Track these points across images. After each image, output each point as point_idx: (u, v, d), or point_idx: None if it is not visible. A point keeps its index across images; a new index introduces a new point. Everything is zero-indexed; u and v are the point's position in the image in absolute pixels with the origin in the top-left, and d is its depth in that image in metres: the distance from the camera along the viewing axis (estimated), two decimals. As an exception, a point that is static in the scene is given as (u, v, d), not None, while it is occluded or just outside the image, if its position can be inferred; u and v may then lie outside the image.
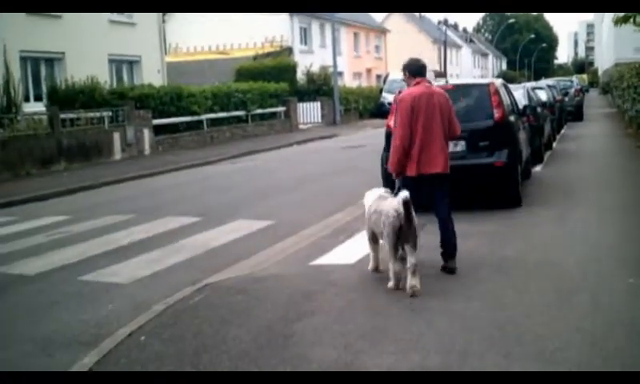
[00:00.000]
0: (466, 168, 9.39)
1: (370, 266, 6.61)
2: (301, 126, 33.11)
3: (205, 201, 12.42)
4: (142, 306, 6.12)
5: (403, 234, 5.72)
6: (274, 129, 29.86)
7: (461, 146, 9.56)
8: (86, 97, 21.46)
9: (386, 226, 5.78)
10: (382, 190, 6.57)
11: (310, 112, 34.89)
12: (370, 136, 24.78)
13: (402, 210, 5.65)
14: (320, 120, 34.80)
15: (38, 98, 22.33)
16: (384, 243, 6.02)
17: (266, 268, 7.24)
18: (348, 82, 47.09)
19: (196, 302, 5.97)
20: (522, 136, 11.36)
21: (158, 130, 22.81)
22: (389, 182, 10.09)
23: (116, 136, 20.58)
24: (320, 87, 36.24)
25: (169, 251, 8.41)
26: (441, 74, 49.50)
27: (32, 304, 6.61)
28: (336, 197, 12.06)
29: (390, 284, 5.99)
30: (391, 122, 9.84)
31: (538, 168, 13.72)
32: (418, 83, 6.45)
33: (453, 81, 11.59)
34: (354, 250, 7.63)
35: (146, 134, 21.90)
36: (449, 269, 6.45)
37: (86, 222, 10.73)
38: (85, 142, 19.38)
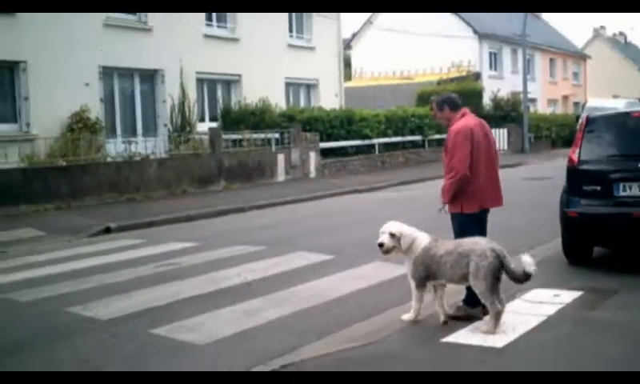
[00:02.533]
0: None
1: (410, 315, 5.85)
2: (484, 154, 30.48)
3: (349, 233, 10.77)
4: None
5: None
6: (454, 157, 27.58)
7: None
8: (257, 118, 21.00)
9: (481, 268, 5.42)
10: (409, 228, 5.81)
11: (495, 138, 32.11)
12: (560, 167, 21.44)
13: (498, 251, 5.50)
14: (506, 147, 31.94)
15: (213, 119, 22.25)
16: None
17: (383, 339, 5.41)
18: (542, 108, 43.37)
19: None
20: None
21: (325, 153, 21.74)
22: (571, 231, 7.86)
23: (280, 158, 19.74)
24: (508, 113, 33.37)
25: (275, 300, 6.84)
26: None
27: (70, 361, 5.32)
28: (500, 238, 9.82)
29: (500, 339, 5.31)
30: (574, 154, 7.60)
31: None
32: (464, 115, 6.13)
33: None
34: (506, 322, 5.54)
35: (312, 156, 20.86)
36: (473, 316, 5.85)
37: (208, 251, 9.56)
38: (247, 163, 18.71)
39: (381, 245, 5.69)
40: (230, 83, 23.21)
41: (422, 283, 5.72)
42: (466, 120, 6.08)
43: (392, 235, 5.69)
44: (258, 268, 8.29)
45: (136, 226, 12.36)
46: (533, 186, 17.39)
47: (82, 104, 17.26)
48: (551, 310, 6.08)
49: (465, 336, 5.46)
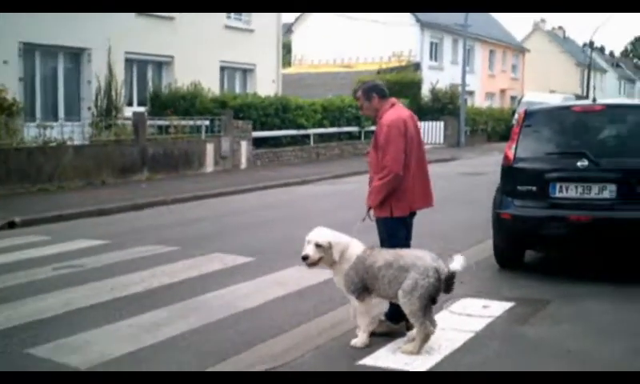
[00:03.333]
0: (616, 223, 6.54)
1: (361, 339, 5.09)
2: (420, 147, 30.28)
3: (274, 232, 10.12)
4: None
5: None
6: (390, 148, 27.21)
7: (609, 191, 6.65)
8: (188, 103, 20.02)
9: (419, 287, 4.79)
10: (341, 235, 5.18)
11: (431, 131, 31.98)
12: (495, 162, 21.31)
13: (445, 271, 4.86)
14: (442, 141, 31.82)
15: (142, 103, 21.15)
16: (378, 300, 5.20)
17: (293, 361, 4.79)
18: (479, 102, 43.59)
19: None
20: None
21: (258, 142, 20.95)
22: (504, 234, 7.41)
23: (209, 147, 18.85)
24: (445, 105, 33.27)
25: (180, 311, 6.12)
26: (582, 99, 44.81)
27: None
28: (426, 243, 9.36)
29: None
30: (510, 150, 7.13)
31: None
32: (393, 105, 5.51)
33: (603, 101, 8.53)
34: (431, 339, 4.99)
35: (244, 146, 20.05)
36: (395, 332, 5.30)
37: (116, 251, 8.74)
38: (174, 152, 17.77)
39: (305, 258, 5.01)
40: (161, 65, 22.17)
41: (362, 295, 5.04)
42: (398, 111, 5.45)
43: (318, 246, 5.02)
44: (167, 272, 7.53)
45: (44, 221, 11.37)
46: (467, 181, 17.13)
47: (-1, 83, 16.06)
48: (480, 324, 5.58)
49: (385, 357, 4.88)
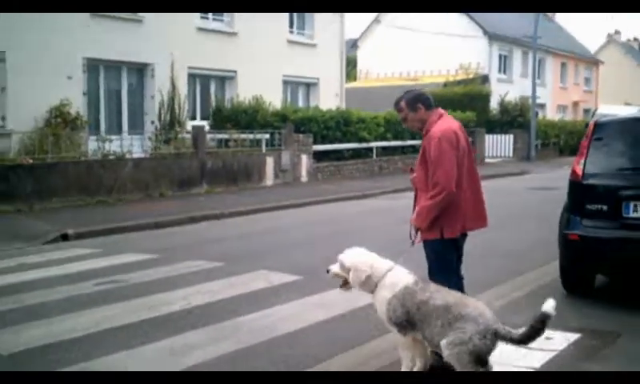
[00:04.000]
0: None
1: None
2: (488, 160, 29.37)
3: (326, 249, 9.62)
4: None
5: None
6: (456, 162, 26.41)
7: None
8: (249, 117, 19.95)
9: (471, 345, 4.09)
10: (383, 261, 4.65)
11: (500, 145, 30.98)
12: (566, 177, 20.43)
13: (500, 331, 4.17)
14: (511, 154, 30.77)
15: (206, 117, 21.22)
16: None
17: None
18: (551, 114, 42.09)
19: None
20: None
21: (319, 156, 20.65)
22: (571, 257, 6.77)
23: (269, 160, 18.64)
24: (515, 118, 32.15)
25: (215, 333, 5.78)
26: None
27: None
28: (489, 262, 8.76)
29: None
30: (579, 165, 6.50)
31: None
32: (441, 116, 5.00)
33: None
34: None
35: (304, 159, 19.77)
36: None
37: (163, 266, 8.51)
38: (233, 165, 17.63)
39: (328, 271, 4.68)
40: (224, 80, 22.21)
41: (405, 330, 4.44)
42: (447, 122, 4.95)
43: (342, 266, 4.61)
44: (209, 290, 7.22)
45: (97, 233, 11.32)
46: (536, 197, 16.29)
47: (63, 98, 16.31)
48: (539, 359, 4.99)
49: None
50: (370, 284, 4.57)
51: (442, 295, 4.36)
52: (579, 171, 6.57)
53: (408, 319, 4.40)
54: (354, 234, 10.66)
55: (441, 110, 5.06)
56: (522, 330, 4.24)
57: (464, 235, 5.09)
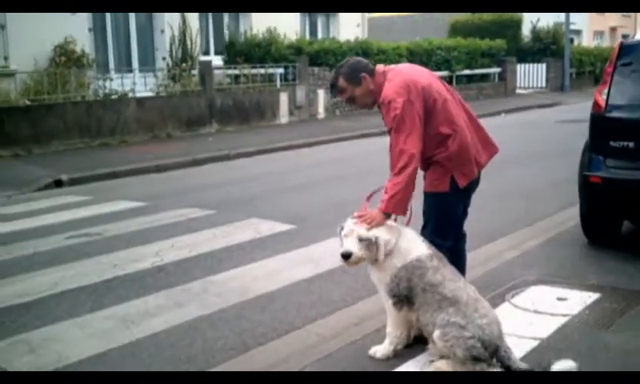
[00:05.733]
0: None
1: (385, 350, 3.87)
2: (519, 91, 28.01)
3: (330, 193, 8.97)
4: None
5: None
6: (484, 93, 25.23)
7: None
8: (263, 51, 19.00)
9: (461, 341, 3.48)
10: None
11: (532, 75, 29.51)
12: (601, 108, 19.32)
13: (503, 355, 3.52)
14: (544, 84, 29.30)
15: (221, 53, 20.35)
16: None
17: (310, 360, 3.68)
18: (586, 41, 40.10)
19: None
20: None
21: (338, 90, 19.66)
22: (593, 201, 5.94)
23: (283, 97, 17.78)
24: (547, 46, 30.48)
25: (182, 296, 5.13)
26: None
27: None
28: (506, 205, 7.96)
29: None
30: (601, 96, 5.60)
31: None
32: (386, 73, 4.04)
33: None
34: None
35: (321, 95, 18.85)
36: None
37: (148, 216, 7.88)
38: (244, 103, 16.83)
39: (347, 256, 3.72)
40: (238, 13, 21.15)
41: (401, 305, 3.78)
42: (398, 76, 3.98)
43: (361, 240, 3.73)
44: (189, 243, 6.56)
45: (93, 178, 10.74)
46: (566, 130, 15.18)
47: (67, 35, 15.57)
48: (548, 328, 4.24)
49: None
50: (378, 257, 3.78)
51: (454, 286, 3.66)
52: (602, 102, 5.66)
53: (409, 296, 3.72)
54: (368, 175, 9.83)
55: (383, 68, 4.13)
56: (524, 365, 3.53)
57: (476, 182, 4.29)
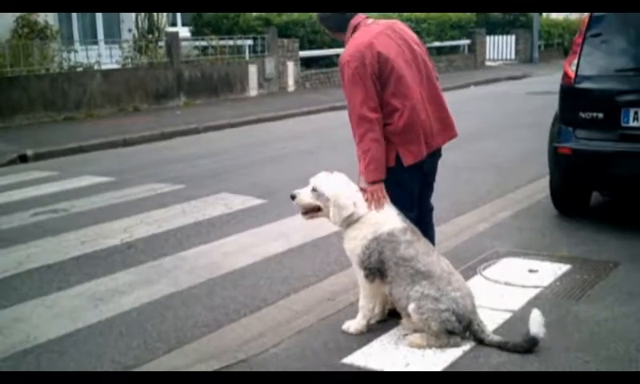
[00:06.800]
0: None
1: (358, 324, 3.83)
2: (488, 63, 28.11)
3: (301, 167, 8.87)
4: None
5: None
6: (454, 65, 25.27)
7: None
8: (231, 22, 18.75)
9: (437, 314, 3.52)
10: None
11: (501, 46, 29.62)
12: (569, 80, 19.48)
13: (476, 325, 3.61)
14: (513, 56, 29.43)
15: (188, 24, 20.01)
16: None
17: (257, 356, 3.62)
18: (556, 14, 40.28)
19: None
20: None
21: (308, 63, 19.52)
22: (563, 173, 5.98)
23: (252, 69, 17.57)
24: (517, 18, 30.61)
25: (152, 273, 5.05)
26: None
27: None
28: (476, 177, 7.99)
29: None
30: (570, 66, 5.60)
31: None
32: (356, 29, 3.88)
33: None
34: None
35: (291, 67, 18.67)
36: None
37: (115, 191, 7.75)
38: (212, 75, 16.60)
39: (292, 197, 3.81)
40: (208, -19, 20.80)
41: (373, 277, 3.74)
42: (361, 36, 3.83)
43: (314, 191, 3.77)
44: (158, 219, 6.47)
45: (59, 153, 10.52)
46: (536, 102, 15.27)
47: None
48: (520, 299, 4.26)
49: (382, 351, 3.64)
50: (349, 220, 3.76)
51: (428, 260, 3.64)
52: (571, 73, 5.66)
53: (381, 269, 3.68)
54: (337, 148, 9.81)
55: (357, 20, 3.94)
56: (497, 338, 3.57)
57: (433, 156, 4.21)
